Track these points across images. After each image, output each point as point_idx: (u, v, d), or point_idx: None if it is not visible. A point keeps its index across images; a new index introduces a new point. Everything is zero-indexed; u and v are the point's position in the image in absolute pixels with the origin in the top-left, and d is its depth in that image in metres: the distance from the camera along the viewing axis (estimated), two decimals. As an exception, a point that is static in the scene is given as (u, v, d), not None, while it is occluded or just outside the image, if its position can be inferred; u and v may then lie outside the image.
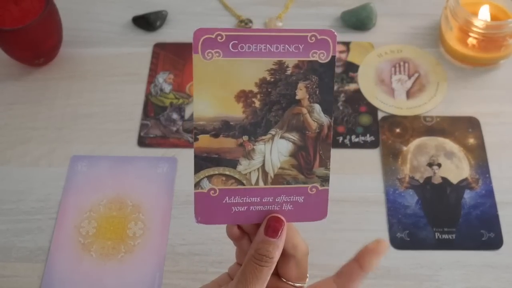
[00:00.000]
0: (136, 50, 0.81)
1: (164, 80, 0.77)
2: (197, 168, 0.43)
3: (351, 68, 0.77)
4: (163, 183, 0.69)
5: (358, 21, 0.80)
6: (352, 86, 0.76)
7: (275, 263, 0.43)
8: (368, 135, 0.72)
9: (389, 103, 0.74)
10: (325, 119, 0.43)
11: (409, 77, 0.76)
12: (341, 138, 0.72)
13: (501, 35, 0.72)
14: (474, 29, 0.72)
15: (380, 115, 0.74)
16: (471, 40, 0.73)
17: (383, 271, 0.63)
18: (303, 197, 0.44)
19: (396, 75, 0.77)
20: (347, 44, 0.80)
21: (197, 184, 0.43)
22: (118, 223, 0.66)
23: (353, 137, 0.72)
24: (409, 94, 0.75)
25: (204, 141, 0.43)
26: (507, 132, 0.72)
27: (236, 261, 0.49)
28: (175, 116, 0.74)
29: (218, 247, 0.64)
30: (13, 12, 0.76)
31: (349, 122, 0.73)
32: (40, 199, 0.69)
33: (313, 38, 0.41)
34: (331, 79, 0.42)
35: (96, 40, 0.82)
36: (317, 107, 0.43)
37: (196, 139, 0.43)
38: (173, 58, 0.79)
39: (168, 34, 0.82)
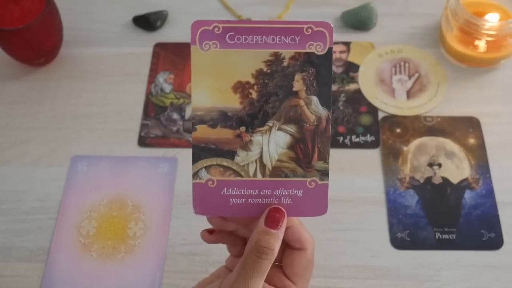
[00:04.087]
0: (137, 50, 0.81)
1: (165, 80, 0.77)
2: (195, 158, 0.44)
3: (352, 68, 0.77)
4: (163, 183, 0.69)
5: (358, 21, 0.80)
6: (352, 86, 0.76)
7: (275, 256, 0.42)
8: (368, 135, 0.72)
9: (389, 103, 0.74)
10: (323, 112, 0.43)
11: (410, 77, 0.76)
12: (341, 138, 0.72)
13: (502, 35, 0.72)
14: (475, 29, 0.72)
15: (380, 115, 0.74)
16: (476, 44, 0.73)
17: (383, 271, 0.63)
18: (302, 191, 0.44)
19: (396, 75, 0.77)
20: (347, 44, 0.80)
21: (195, 175, 0.44)
22: (118, 223, 0.66)
23: (353, 137, 0.72)
24: (409, 94, 0.75)
25: (202, 131, 0.43)
26: (507, 132, 0.71)
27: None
28: (175, 116, 0.74)
29: (218, 247, 0.64)
30: (13, 12, 0.76)
31: (350, 122, 0.73)
32: (40, 199, 0.69)
33: (309, 30, 0.42)
34: (329, 71, 0.42)
35: (96, 40, 0.82)
36: (314, 99, 0.43)
37: (194, 129, 0.43)
38: (174, 58, 0.79)
39: (169, 34, 0.82)
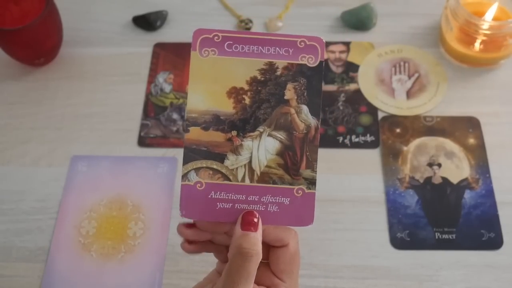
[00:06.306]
0: (136, 50, 0.81)
1: (164, 80, 0.77)
2: (186, 160, 0.44)
3: (352, 68, 0.77)
4: (163, 183, 0.69)
5: (358, 21, 0.80)
6: (352, 86, 0.76)
7: (260, 257, 0.43)
8: (368, 135, 0.72)
9: (389, 103, 0.74)
10: (312, 121, 0.45)
11: (409, 77, 0.76)
12: (341, 138, 0.72)
13: (501, 35, 0.72)
14: (475, 29, 0.72)
15: (380, 115, 0.74)
16: (476, 43, 0.73)
17: (383, 271, 0.63)
18: (289, 199, 0.44)
19: (396, 75, 0.77)
20: (347, 44, 0.80)
21: (184, 176, 0.44)
22: (118, 223, 0.66)
23: (353, 137, 0.72)
24: (409, 94, 0.75)
25: (195, 133, 0.44)
26: (507, 132, 0.72)
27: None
28: (175, 116, 0.74)
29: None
30: (13, 12, 0.76)
31: (349, 122, 0.73)
32: (40, 199, 0.69)
33: (302, 43, 0.44)
34: (319, 82, 0.44)
35: (96, 40, 0.82)
36: (304, 108, 0.45)
37: (187, 131, 0.44)
38: (173, 58, 0.79)
39: (168, 34, 0.82)
